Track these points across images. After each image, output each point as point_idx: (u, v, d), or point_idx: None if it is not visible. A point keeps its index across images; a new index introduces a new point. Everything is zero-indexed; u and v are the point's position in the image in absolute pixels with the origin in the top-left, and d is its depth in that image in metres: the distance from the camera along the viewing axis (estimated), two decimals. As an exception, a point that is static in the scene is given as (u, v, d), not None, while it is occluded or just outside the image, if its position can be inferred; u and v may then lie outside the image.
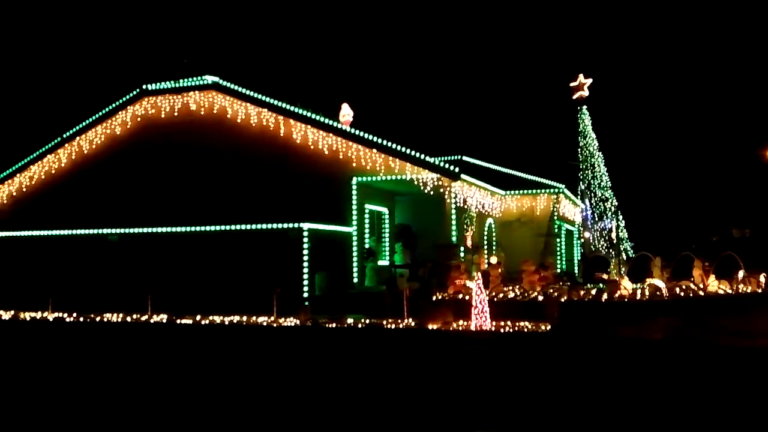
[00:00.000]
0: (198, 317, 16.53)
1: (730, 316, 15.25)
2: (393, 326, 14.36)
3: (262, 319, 15.89)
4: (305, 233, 18.10)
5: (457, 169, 19.19)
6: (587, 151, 23.34)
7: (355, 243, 20.02)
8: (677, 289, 17.55)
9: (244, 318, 16.13)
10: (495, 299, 16.09)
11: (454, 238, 20.02)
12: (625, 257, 22.17)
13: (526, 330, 13.46)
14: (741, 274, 18.55)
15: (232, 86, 21.31)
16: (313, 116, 20.41)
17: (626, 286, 17.33)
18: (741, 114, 64.71)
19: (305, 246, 18.05)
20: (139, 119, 22.65)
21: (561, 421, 7.32)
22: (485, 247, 24.48)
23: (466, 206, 21.25)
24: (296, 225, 18.19)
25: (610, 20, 69.34)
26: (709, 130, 60.92)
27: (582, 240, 32.02)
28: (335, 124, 20.59)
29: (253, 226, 18.66)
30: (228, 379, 9.96)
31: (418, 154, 19.29)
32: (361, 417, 7.63)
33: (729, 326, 13.77)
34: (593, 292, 17.04)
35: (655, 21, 68.34)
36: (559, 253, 26.33)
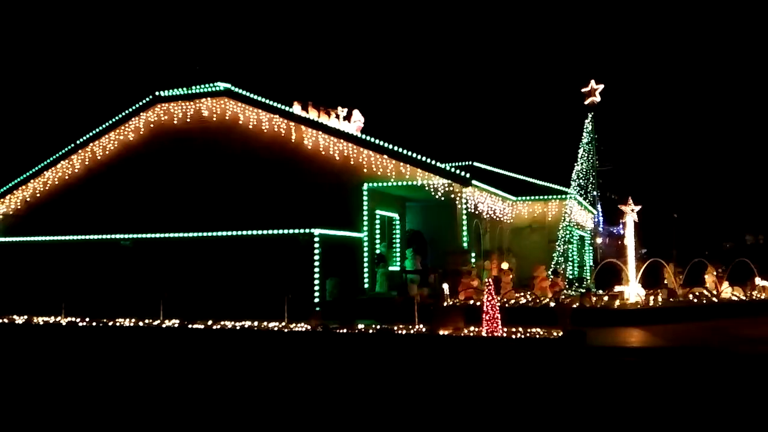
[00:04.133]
0: (210, 322, 16.57)
1: (743, 322, 15.11)
2: (404, 332, 14.33)
3: (273, 325, 15.91)
4: (316, 239, 18.13)
5: (468, 175, 19.17)
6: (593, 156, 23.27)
7: (366, 249, 20.03)
8: (690, 296, 17.42)
9: (256, 323, 16.15)
10: (506, 305, 16.02)
11: (465, 244, 19.98)
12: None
13: (537, 336, 13.39)
14: (757, 280, 18.39)
15: (244, 93, 21.45)
16: (324, 122, 20.49)
17: (639, 293, 17.23)
18: (755, 120, 64.25)
19: (316, 252, 18.08)
20: (151, 125, 22.83)
21: (571, 427, 7.28)
22: (496, 253, 24.41)
23: (477, 212, 21.22)
24: (307, 231, 18.22)
25: (622, 26, 69.17)
26: (723, 136, 60.52)
27: (594, 246, 31.86)
28: (346, 130, 20.64)
29: (265, 232, 18.72)
30: (239, 383, 9.97)
31: (428, 160, 19.29)
32: (370, 421, 7.62)
33: (743, 333, 13.64)
34: (605, 298, 16.95)
35: (666, 26, 68.08)
36: (571, 259, 26.21)
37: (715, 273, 18.63)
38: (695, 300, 17.05)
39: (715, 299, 17.28)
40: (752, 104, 64.91)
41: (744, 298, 17.62)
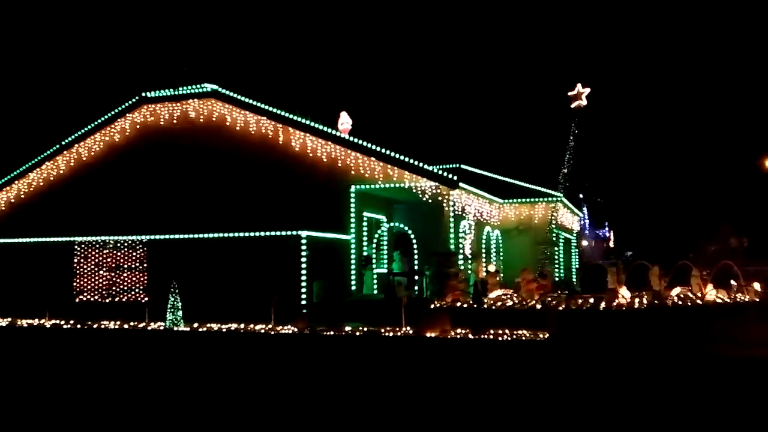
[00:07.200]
0: (195, 325, 16.50)
1: (727, 324, 15.23)
2: (391, 334, 14.35)
3: (260, 327, 15.87)
4: (303, 241, 18.09)
5: (455, 178, 19.22)
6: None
7: (353, 251, 20.02)
8: (675, 298, 17.53)
9: (242, 326, 16.11)
10: (493, 307, 16.07)
11: (452, 246, 20.03)
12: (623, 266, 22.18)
13: (524, 338, 13.45)
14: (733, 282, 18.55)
15: (231, 94, 21.36)
16: (312, 124, 20.46)
17: (624, 295, 17.33)
18: (740, 123, 64.89)
19: (303, 254, 18.04)
20: (138, 127, 22.69)
21: (557, 429, 7.31)
22: (483, 255, 24.48)
23: (464, 214, 21.26)
24: (294, 233, 18.19)
25: (609, 29, 69.67)
26: (708, 139, 61.05)
27: (579, 248, 32.06)
28: (334, 132, 20.63)
29: (252, 234, 18.65)
30: (224, 385, 9.93)
31: (416, 163, 19.33)
32: (356, 424, 7.62)
33: (727, 335, 13.76)
34: (591, 300, 17.04)
35: (654, 29, 68.63)
36: (557, 261, 26.32)
37: (699, 275, 18.77)
38: (680, 302, 17.18)
39: (699, 301, 17.42)
40: (739, 107, 65.55)
41: (728, 300, 17.77)
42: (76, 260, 20.43)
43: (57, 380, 10.67)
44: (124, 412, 8.30)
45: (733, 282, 18.42)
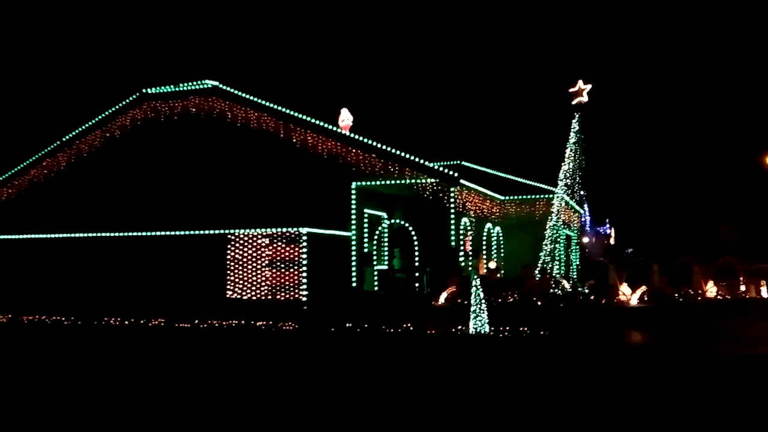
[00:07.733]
0: (196, 320, 16.52)
1: (728, 321, 15.23)
2: (391, 330, 14.36)
3: (261, 323, 15.90)
4: (304, 238, 18.08)
5: (456, 174, 19.21)
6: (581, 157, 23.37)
7: (354, 247, 20.00)
8: (676, 295, 17.56)
9: (243, 321, 16.13)
10: (494, 304, 16.09)
11: (453, 243, 20.02)
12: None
13: (524, 335, 13.45)
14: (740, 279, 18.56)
15: (232, 91, 21.32)
16: (313, 121, 20.43)
17: (625, 291, 17.35)
18: (741, 121, 64.83)
19: (304, 251, 18.03)
20: (139, 123, 22.66)
21: (558, 425, 7.31)
22: (484, 252, 24.47)
23: (465, 211, 21.26)
24: (295, 230, 18.18)
25: (610, 26, 69.59)
26: (710, 136, 61.00)
27: (580, 245, 32.04)
28: (335, 128, 20.60)
29: (253, 231, 18.64)
30: (229, 381, 9.93)
31: (417, 159, 19.31)
32: (357, 420, 7.61)
33: (728, 332, 13.75)
34: (592, 297, 17.06)
35: (655, 26, 68.57)
36: (558, 258, 26.28)
37: (700, 272, 18.79)
38: (681, 299, 17.20)
39: (700, 298, 17.44)
40: (740, 105, 65.47)
41: (729, 297, 17.79)
42: (76, 256, 20.40)
43: (57, 376, 10.69)
44: (124, 407, 8.31)
45: (741, 278, 18.44)
